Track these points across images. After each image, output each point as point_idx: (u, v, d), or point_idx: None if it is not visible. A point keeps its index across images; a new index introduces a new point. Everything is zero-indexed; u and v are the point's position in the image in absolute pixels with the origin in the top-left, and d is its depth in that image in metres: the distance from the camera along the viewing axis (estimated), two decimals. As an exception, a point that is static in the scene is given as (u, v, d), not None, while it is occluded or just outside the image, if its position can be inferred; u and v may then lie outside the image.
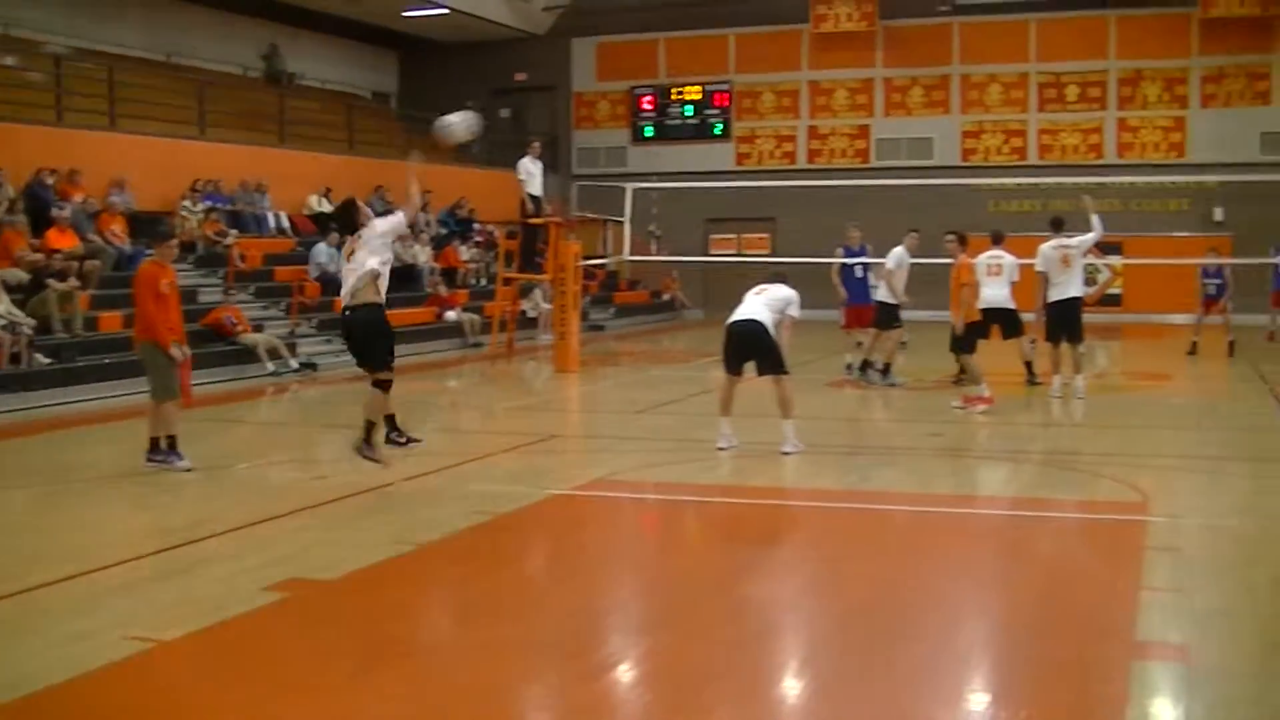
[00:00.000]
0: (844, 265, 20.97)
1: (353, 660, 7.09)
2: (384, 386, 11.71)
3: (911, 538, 10.62)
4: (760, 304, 13.68)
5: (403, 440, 11.92)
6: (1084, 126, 35.98)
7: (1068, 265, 17.66)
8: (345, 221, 12.08)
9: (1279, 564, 9.02)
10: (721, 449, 13.63)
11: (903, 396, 18.63)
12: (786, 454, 13.35)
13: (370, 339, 11.67)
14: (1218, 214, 33.98)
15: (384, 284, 11.64)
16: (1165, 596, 8.10)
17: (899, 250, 19.41)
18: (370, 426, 11.83)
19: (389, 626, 7.80)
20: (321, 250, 26.10)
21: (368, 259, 11.48)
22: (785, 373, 13.57)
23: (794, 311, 13.69)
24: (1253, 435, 15.54)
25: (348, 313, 11.64)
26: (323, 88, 36.60)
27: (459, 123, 12.59)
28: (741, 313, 13.72)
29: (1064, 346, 17.79)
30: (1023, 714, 6.30)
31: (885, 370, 19.47)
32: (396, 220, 11.81)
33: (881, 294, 19.68)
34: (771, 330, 13.51)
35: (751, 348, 13.58)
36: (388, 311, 11.79)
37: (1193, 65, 34.98)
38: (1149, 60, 35.23)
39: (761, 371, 13.69)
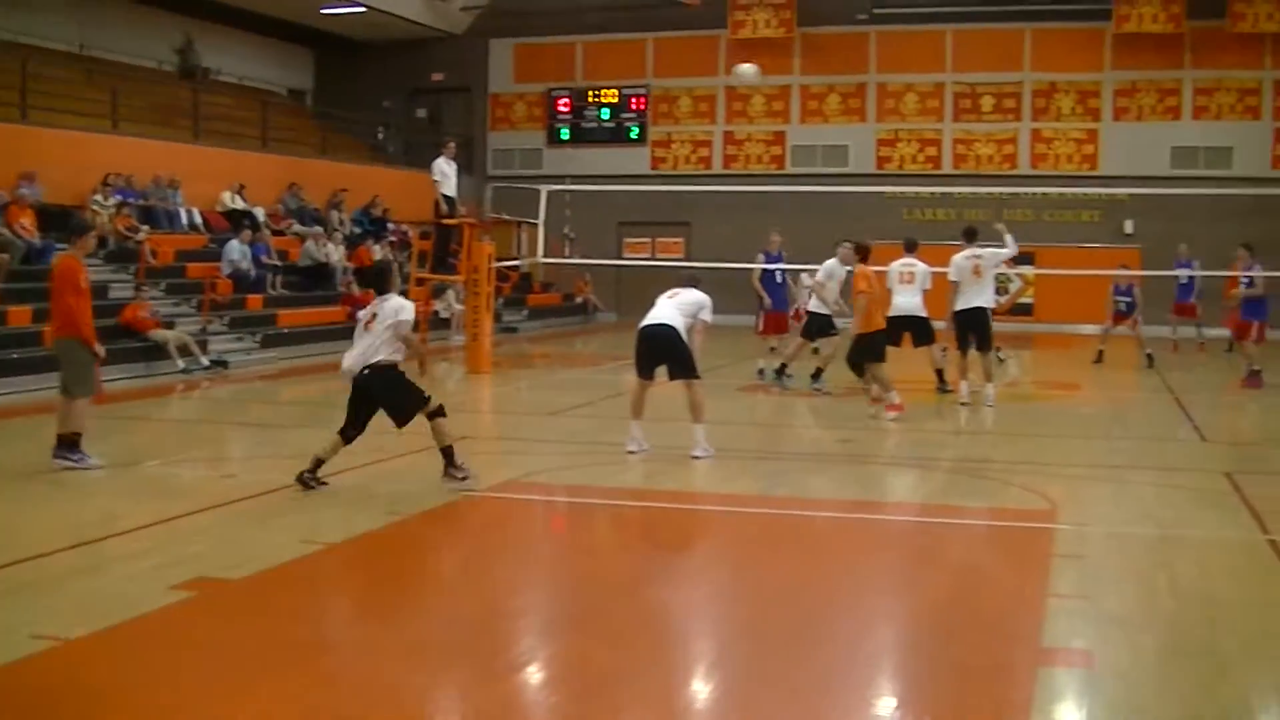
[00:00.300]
0: (765, 271, 21.06)
1: (259, 661, 7.02)
2: (439, 413, 11.67)
3: (821, 543, 10.67)
4: (672, 308, 13.67)
5: (313, 484, 11.69)
6: (998, 137, 36.29)
7: (979, 275, 17.80)
8: (378, 281, 12.25)
9: (1181, 571, 9.13)
10: (632, 452, 13.62)
11: (814, 403, 18.70)
12: (697, 458, 13.35)
13: (393, 393, 11.60)
14: (1128, 226, 34.45)
15: (395, 353, 11.66)
16: (1071, 603, 8.21)
17: (831, 262, 19.39)
18: (448, 451, 11.74)
19: (296, 627, 7.74)
20: (234, 247, 25.92)
21: (369, 335, 11.60)
22: (697, 377, 13.60)
23: (706, 316, 13.69)
24: (1158, 445, 15.77)
25: (365, 372, 11.55)
26: (238, 84, 36.22)
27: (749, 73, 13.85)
28: (654, 316, 13.70)
29: (973, 354, 17.92)
30: (929, 718, 6.36)
31: (816, 374, 19.47)
32: (406, 318, 11.71)
33: (813, 304, 19.72)
34: (684, 334, 13.51)
35: (664, 351, 13.58)
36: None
37: (1106, 79, 35.42)
38: (1063, 73, 35.62)
39: (673, 375, 13.71)
